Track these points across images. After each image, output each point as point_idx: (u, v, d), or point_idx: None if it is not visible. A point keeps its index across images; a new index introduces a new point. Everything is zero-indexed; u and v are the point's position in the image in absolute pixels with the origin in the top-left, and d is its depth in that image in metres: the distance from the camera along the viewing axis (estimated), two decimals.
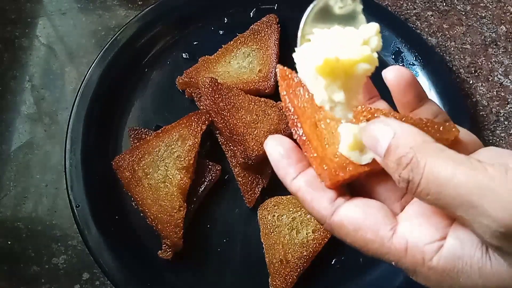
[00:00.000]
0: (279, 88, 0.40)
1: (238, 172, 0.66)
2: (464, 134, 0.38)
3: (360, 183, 0.37)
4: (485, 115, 0.76)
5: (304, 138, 0.37)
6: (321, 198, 0.35)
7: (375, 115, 0.37)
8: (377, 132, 0.33)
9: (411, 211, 0.34)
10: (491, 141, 0.74)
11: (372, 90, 0.42)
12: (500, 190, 0.28)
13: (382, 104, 0.41)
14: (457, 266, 0.30)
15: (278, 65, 0.41)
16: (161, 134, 0.66)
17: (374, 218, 0.33)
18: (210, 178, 0.65)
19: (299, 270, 0.60)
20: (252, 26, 0.75)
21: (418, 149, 0.31)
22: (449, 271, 0.30)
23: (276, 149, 0.38)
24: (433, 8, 0.84)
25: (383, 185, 0.36)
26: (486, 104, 0.77)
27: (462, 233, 0.31)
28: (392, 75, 0.39)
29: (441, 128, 0.36)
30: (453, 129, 0.36)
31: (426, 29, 0.83)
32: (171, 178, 0.63)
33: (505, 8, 0.85)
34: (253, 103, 0.67)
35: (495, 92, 0.78)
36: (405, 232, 0.32)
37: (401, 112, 0.40)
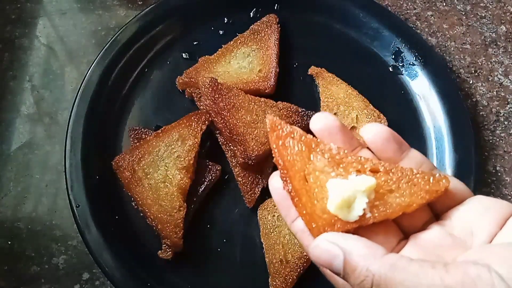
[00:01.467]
0: (269, 139, 0.40)
1: (238, 172, 0.66)
2: (454, 182, 0.38)
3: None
4: (485, 115, 0.76)
5: (293, 193, 0.37)
6: None
7: (365, 166, 0.37)
8: (328, 252, 0.34)
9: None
10: (491, 141, 0.74)
11: (353, 140, 0.42)
12: None
13: (366, 153, 0.41)
14: None
15: (268, 115, 0.40)
16: (161, 134, 0.66)
17: None
18: (210, 178, 0.65)
19: (299, 270, 0.60)
20: (252, 26, 0.75)
21: (374, 268, 0.32)
22: None
23: (279, 188, 0.39)
24: (433, 8, 0.84)
25: (373, 236, 0.37)
26: (486, 104, 0.77)
27: None
28: (369, 133, 0.40)
29: (431, 180, 0.36)
30: (443, 181, 0.37)
31: (426, 29, 0.83)
32: (171, 178, 0.63)
33: (505, 8, 0.85)
34: (253, 103, 0.67)
35: (495, 92, 0.78)
36: None
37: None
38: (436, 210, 0.39)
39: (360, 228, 0.36)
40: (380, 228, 0.37)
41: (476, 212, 0.36)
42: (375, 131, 0.39)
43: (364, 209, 0.36)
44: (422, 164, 0.40)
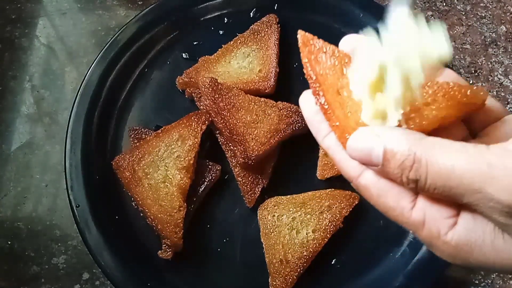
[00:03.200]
0: (301, 54, 0.39)
1: (238, 172, 0.66)
2: (490, 99, 0.37)
3: None
4: None
5: (326, 106, 0.36)
6: (350, 159, 0.36)
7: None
8: (365, 144, 0.33)
9: None
10: None
11: None
12: (500, 174, 0.29)
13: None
14: (471, 240, 0.32)
15: (299, 30, 0.39)
16: (161, 134, 0.66)
17: (397, 188, 0.34)
18: (210, 178, 0.65)
19: (299, 270, 0.60)
20: (252, 26, 0.75)
21: (415, 148, 0.31)
22: (463, 245, 0.32)
23: (310, 104, 0.38)
24: (433, 8, 0.84)
25: None
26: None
27: (472, 213, 0.32)
28: None
29: (468, 92, 0.35)
30: (481, 93, 0.35)
31: None
32: (171, 178, 0.63)
33: (505, 8, 0.85)
34: (253, 103, 0.67)
35: (495, 92, 0.78)
36: (424, 206, 0.33)
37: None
38: (473, 128, 0.38)
39: None
40: None
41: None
42: None
43: (399, 121, 0.35)
44: (458, 81, 0.38)
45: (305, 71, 0.38)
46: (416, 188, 0.32)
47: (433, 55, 0.35)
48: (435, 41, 0.35)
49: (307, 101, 0.39)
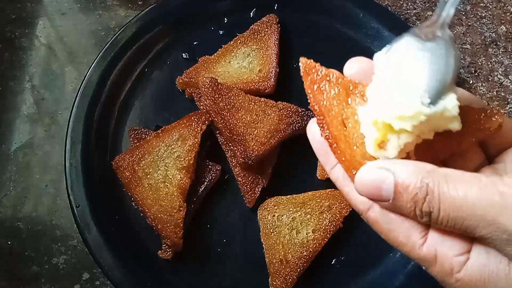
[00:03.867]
0: (304, 84, 0.37)
1: (238, 172, 0.66)
2: (507, 122, 0.36)
3: None
4: None
5: (331, 140, 0.35)
6: None
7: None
8: (374, 178, 0.32)
9: None
10: None
11: None
12: None
13: None
14: (484, 275, 0.31)
15: (301, 58, 0.37)
16: (161, 134, 0.66)
17: (408, 223, 0.33)
18: (210, 178, 0.65)
19: (299, 270, 0.60)
20: (252, 26, 0.75)
21: (427, 180, 0.31)
22: (476, 281, 0.31)
23: (317, 134, 0.37)
24: (433, 8, 0.84)
25: None
26: (486, 104, 0.77)
27: (485, 247, 0.32)
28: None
29: (482, 116, 0.33)
30: (496, 117, 0.33)
31: None
32: (171, 178, 0.63)
33: (505, 8, 0.85)
34: (253, 103, 0.67)
35: (495, 92, 0.78)
36: (435, 241, 0.32)
37: None
38: (489, 153, 0.37)
39: None
40: None
41: None
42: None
43: (408, 151, 0.33)
44: (472, 103, 0.36)
45: (309, 101, 0.37)
46: (430, 221, 0.31)
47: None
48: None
49: (314, 131, 0.38)
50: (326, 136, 0.35)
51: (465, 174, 0.31)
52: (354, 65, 0.38)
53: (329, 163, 0.38)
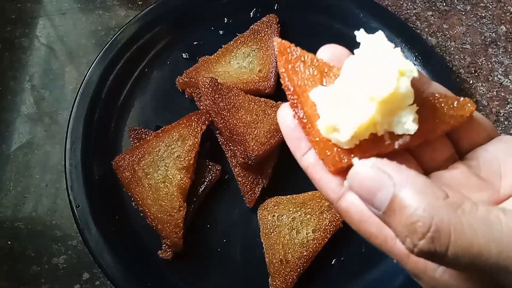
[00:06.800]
0: (277, 64, 0.36)
1: (238, 172, 0.66)
2: (479, 117, 0.35)
3: None
4: (485, 115, 0.76)
5: (305, 120, 0.34)
6: (330, 179, 0.33)
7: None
8: (372, 181, 0.28)
9: None
10: None
11: None
12: None
13: None
14: (462, 281, 0.28)
15: (275, 38, 0.37)
16: (161, 134, 0.66)
17: None
18: (210, 178, 0.65)
19: (299, 270, 0.60)
20: (252, 26, 0.75)
21: (434, 212, 0.26)
22: (453, 286, 0.29)
23: (288, 119, 0.35)
24: (433, 8, 0.84)
25: None
26: (486, 104, 0.77)
27: None
28: None
29: (455, 104, 0.33)
30: (469, 104, 0.33)
31: (426, 29, 0.83)
32: (171, 178, 0.63)
33: (505, 8, 0.85)
34: (253, 103, 0.67)
35: (495, 92, 0.78)
36: None
37: None
38: (460, 148, 0.36)
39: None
40: (399, 162, 0.30)
41: (505, 153, 0.33)
42: None
43: (383, 135, 0.32)
44: (445, 94, 0.35)
45: (282, 82, 0.36)
46: (423, 257, 0.27)
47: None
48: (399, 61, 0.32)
49: (285, 115, 0.36)
50: (299, 117, 0.34)
51: (479, 208, 0.26)
52: (328, 50, 0.37)
53: (299, 150, 0.35)
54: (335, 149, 0.33)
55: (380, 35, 0.33)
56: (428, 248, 0.26)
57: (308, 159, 0.34)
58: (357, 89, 0.32)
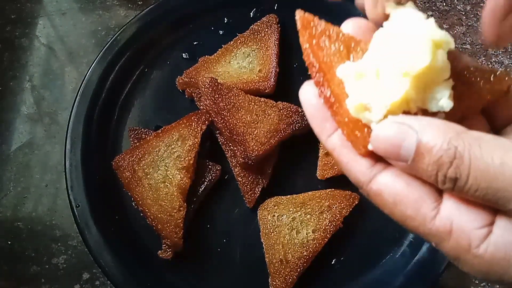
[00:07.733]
0: (300, 39, 0.34)
1: (238, 172, 0.66)
2: None
3: None
4: None
5: (332, 99, 0.32)
6: (359, 161, 0.31)
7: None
8: (395, 134, 0.29)
9: None
10: None
11: None
12: None
13: None
14: (509, 253, 0.27)
15: (298, 10, 0.34)
16: (161, 134, 0.66)
17: (417, 193, 0.29)
18: (210, 178, 0.65)
19: (299, 270, 0.60)
20: (252, 26, 0.75)
21: (456, 142, 0.27)
22: (500, 259, 0.27)
23: (312, 98, 0.33)
24: (433, 8, 0.84)
25: None
26: None
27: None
28: None
29: (492, 77, 0.31)
30: (506, 78, 0.31)
31: None
32: (171, 178, 0.63)
33: None
34: (253, 103, 0.67)
35: None
36: (451, 213, 0.29)
37: None
38: (495, 125, 0.34)
39: None
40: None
41: None
42: None
43: (416, 113, 0.30)
44: (481, 67, 0.34)
45: (305, 59, 0.33)
46: (453, 189, 0.28)
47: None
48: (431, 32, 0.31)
49: (308, 94, 0.34)
50: (326, 96, 0.32)
51: (500, 139, 0.27)
52: (352, 24, 0.35)
53: (325, 131, 0.33)
54: (366, 129, 0.31)
55: (410, 5, 0.32)
56: (454, 175, 0.27)
57: (335, 141, 0.33)
58: (388, 64, 0.30)
